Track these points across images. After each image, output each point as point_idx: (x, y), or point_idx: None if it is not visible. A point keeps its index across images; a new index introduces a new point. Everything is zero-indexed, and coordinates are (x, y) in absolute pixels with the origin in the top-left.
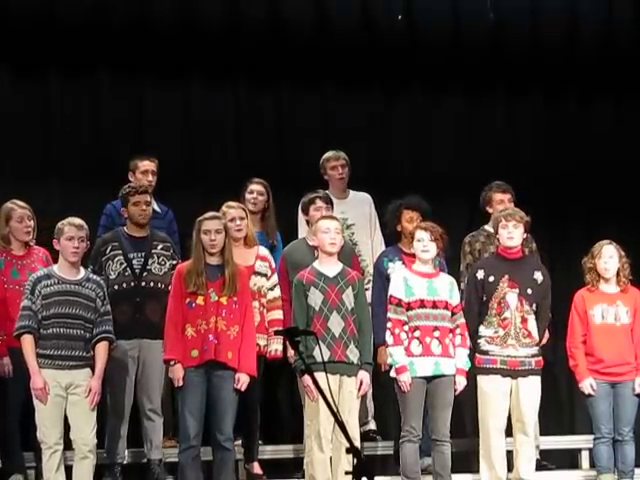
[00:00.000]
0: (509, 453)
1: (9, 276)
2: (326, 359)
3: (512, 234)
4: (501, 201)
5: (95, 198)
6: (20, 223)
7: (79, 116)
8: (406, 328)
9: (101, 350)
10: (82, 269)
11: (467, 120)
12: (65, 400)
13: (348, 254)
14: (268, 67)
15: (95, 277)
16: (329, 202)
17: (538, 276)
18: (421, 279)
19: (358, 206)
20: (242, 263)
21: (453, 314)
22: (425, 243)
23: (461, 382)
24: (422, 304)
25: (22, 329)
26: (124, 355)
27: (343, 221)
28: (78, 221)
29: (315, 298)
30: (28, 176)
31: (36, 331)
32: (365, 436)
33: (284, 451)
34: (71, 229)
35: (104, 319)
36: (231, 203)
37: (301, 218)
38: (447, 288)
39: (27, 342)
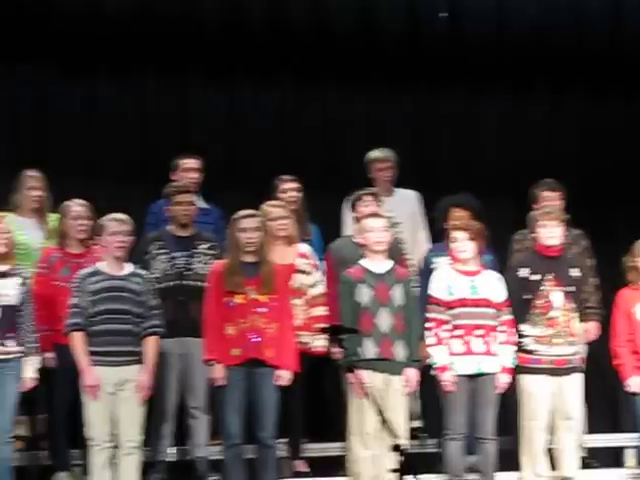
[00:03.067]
0: (553, 451)
1: (59, 273)
2: (373, 356)
3: (552, 232)
4: (549, 199)
5: (140, 197)
6: (75, 220)
7: (125, 115)
8: (447, 327)
9: (151, 345)
10: (128, 264)
11: (514, 118)
12: (114, 397)
13: (396, 252)
14: (312, 66)
15: (141, 271)
16: (377, 199)
17: (576, 273)
18: (463, 278)
19: (404, 204)
20: (283, 261)
21: (499, 311)
22: (461, 243)
23: (505, 380)
24: (463, 303)
25: (71, 326)
26: (168, 353)
27: (389, 219)
28: (121, 216)
29: (363, 295)
30: (74, 175)
31: (85, 328)
32: (411, 434)
33: (330, 449)
34: (114, 224)
35: (153, 313)
36: (273, 202)
37: (346, 215)
38: (491, 285)
39: (77, 339)
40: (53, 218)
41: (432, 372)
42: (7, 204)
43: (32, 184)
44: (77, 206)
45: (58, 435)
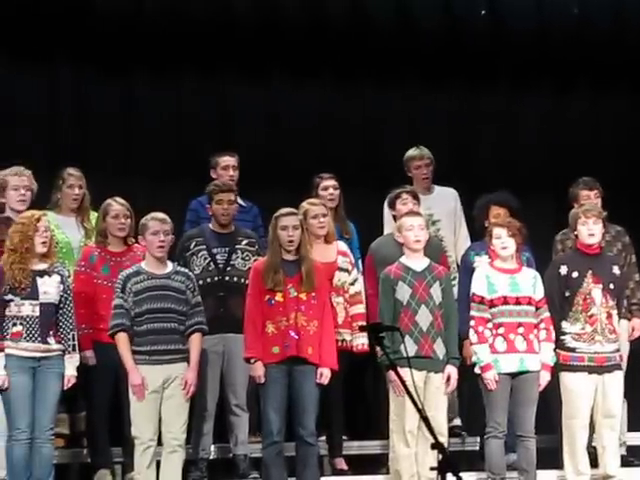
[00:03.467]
0: (595, 449)
1: (99, 271)
2: (413, 354)
3: (592, 230)
4: (587, 197)
5: (179, 195)
6: (115, 219)
7: (163, 114)
8: (490, 325)
9: (195, 342)
10: (169, 263)
11: (554, 116)
12: (160, 395)
13: (436, 251)
14: (351, 65)
15: (183, 269)
16: (416, 197)
17: (616, 270)
18: (503, 275)
19: (444, 202)
20: (323, 259)
21: (537, 309)
22: (503, 240)
23: (545, 377)
24: (505, 301)
25: (116, 327)
26: (209, 350)
27: (429, 217)
28: (161, 215)
29: (403, 292)
30: (113, 174)
31: (130, 328)
32: (450, 432)
33: (370, 447)
34: (155, 223)
35: (196, 310)
36: (313, 200)
37: (387, 213)
38: (530, 283)
39: (122, 340)
40: (93, 216)
41: (477, 370)
42: (47, 203)
43: (72, 182)
44: (117, 204)
45: (99, 433)
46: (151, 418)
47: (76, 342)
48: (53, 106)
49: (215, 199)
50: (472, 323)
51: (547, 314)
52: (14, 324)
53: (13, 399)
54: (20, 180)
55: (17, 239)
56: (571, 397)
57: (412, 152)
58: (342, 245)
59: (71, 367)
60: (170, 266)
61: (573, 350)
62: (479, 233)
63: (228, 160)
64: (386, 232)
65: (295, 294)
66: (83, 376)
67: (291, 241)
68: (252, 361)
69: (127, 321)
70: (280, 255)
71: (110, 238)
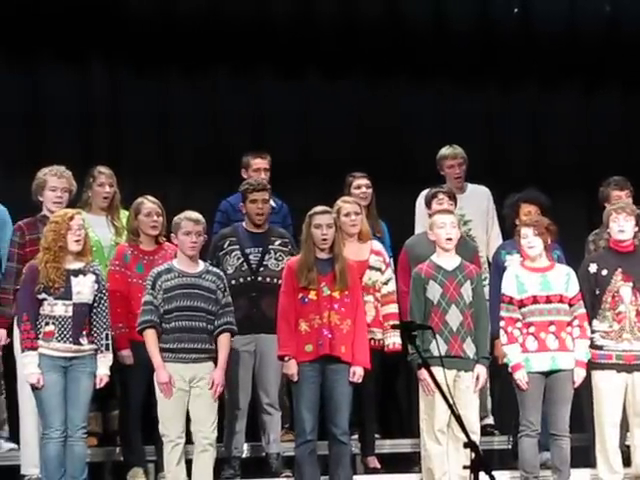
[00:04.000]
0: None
1: (133, 270)
2: (443, 353)
3: (623, 227)
4: (619, 197)
5: (211, 194)
6: (147, 217)
7: (197, 113)
8: (519, 325)
9: (223, 342)
10: (201, 262)
11: (586, 113)
12: (188, 394)
13: (470, 250)
14: (384, 64)
15: (214, 269)
16: (452, 197)
17: None
18: (534, 274)
19: (476, 201)
20: (356, 258)
21: (571, 305)
22: (529, 239)
23: (580, 374)
24: (535, 300)
25: (145, 324)
26: (241, 349)
27: (461, 216)
28: (195, 215)
29: (434, 291)
30: (146, 173)
31: (159, 325)
32: (482, 430)
33: (402, 445)
34: (188, 224)
35: (225, 311)
36: (346, 198)
37: (420, 212)
38: (563, 280)
39: (150, 336)
40: (123, 215)
41: (509, 370)
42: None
43: (102, 180)
44: (149, 202)
45: (132, 431)
46: (178, 415)
47: (110, 342)
48: (87, 105)
49: (249, 198)
50: (502, 324)
51: (582, 310)
52: (47, 323)
53: (46, 398)
54: (59, 182)
55: (50, 238)
56: (601, 395)
57: (445, 151)
58: (377, 244)
59: (104, 366)
60: (201, 265)
61: (601, 348)
62: (510, 232)
63: (259, 163)
64: (417, 231)
65: (328, 292)
66: (118, 375)
67: (325, 239)
68: (286, 359)
69: (156, 318)
70: (314, 253)
71: (142, 236)
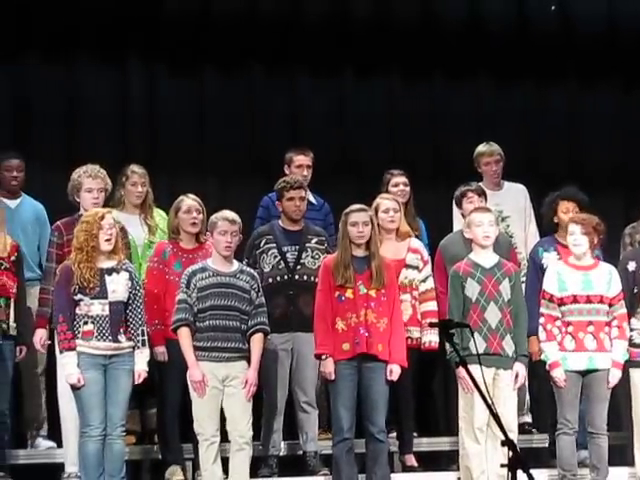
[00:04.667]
0: None
1: (171, 267)
2: (482, 351)
3: None
4: None
5: (249, 192)
6: (187, 214)
7: (234, 111)
8: (558, 323)
9: (257, 342)
10: (235, 262)
11: (623, 111)
12: (222, 392)
13: (506, 247)
14: (421, 62)
15: (249, 269)
16: (482, 194)
17: None
18: (576, 272)
19: (513, 198)
20: (394, 256)
21: (611, 305)
22: (576, 237)
23: (615, 375)
24: (575, 299)
25: (179, 322)
26: (278, 348)
27: (498, 213)
28: (231, 215)
29: (472, 289)
30: (185, 171)
31: (192, 324)
32: (520, 428)
33: (439, 443)
34: (224, 223)
35: (259, 311)
36: (385, 195)
37: (456, 211)
38: (605, 280)
39: (184, 335)
40: (157, 213)
41: (547, 367)
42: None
43: (135, 180)
44: (189, 200)
45: (170, 429)
46: (212, 414)
47: (146, 337)
48: (124, 105)
49: (286, 196)
50: (541, 320)
51: (622, 311)
52: (85, 322)
53: (85, 396)
54: (95, 182)
55: (82, 238)
56: (639, 393)
57: (482, 148)
58: (415, 242)
59: (141, 362)
60: (236, 265)
61: (639, 346)
62: (547, 229)
63: (302, 159)
64: (455, 230)
65: (365, 291)
66: (155, 373)
67: (361, 237)
68: (323, 357)
69: (190, 316)
70: (350, 251)
71: (182, 234)
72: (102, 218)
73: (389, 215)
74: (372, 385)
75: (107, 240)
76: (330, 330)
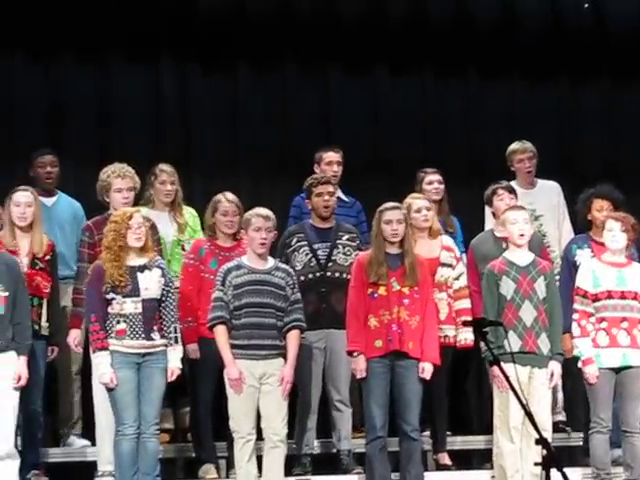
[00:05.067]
0: None
1: (207, 265)
2: (517, 349)
3: None
4: None
5: (282, 191)
6: (224, 216)
7: (265, 111)
8: (592, 319)
9: (293, 338)
10: (270, 258)
11: None
12: (258, 390)
13: (537, 245)
14: (454, 61)
15: (284, 266)
16: (512, 192)
17: None
18: (610, 269)
19: (546, 196)
20: (428, 255)
21: None
22: (615, 233)
23: None
24: (609, 295)
25: (215, 320)
26: (311, 346)
27: (531, 212)
28: (265, 212)
29: (507, 287)
30: (218, 170)
31: (229, 321)
32: (554, 427)
33: (474, 442)
34: (258, 220)
35: (295, 307)
36: (416, 194)
37: (488, 209)
38: (638, 278)
39: (220, 333)
40: (186, 211)
41: (579, 364)
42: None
43: (164, 178)
44: (227, 202)
45: (203, 428)
46: (249, 412)
47: (178, 334)
48: (158, 105)
49: (314, 192)
50: (575, 316)
51: None
52: (118, 322)
53: (119, 395)
54: (123, 182)
55: (111, 237)
56: None
57: (515, 146)
58: (447, 240)
59: (174, 359)
60: (271, 262)
61: None
62: (582, 227)
63: (332, 156)
64: (487, 228)
65: (398, 288)
66: (188, 371)
67: (395, 234)
68: (354, 354)
69: (226, 314)
70: (384, 249)
71: (218, 233)
72: (130, 217)
73: (422, 214)
74: (405, 383)
75: (137, 238)
76: (362, 327)
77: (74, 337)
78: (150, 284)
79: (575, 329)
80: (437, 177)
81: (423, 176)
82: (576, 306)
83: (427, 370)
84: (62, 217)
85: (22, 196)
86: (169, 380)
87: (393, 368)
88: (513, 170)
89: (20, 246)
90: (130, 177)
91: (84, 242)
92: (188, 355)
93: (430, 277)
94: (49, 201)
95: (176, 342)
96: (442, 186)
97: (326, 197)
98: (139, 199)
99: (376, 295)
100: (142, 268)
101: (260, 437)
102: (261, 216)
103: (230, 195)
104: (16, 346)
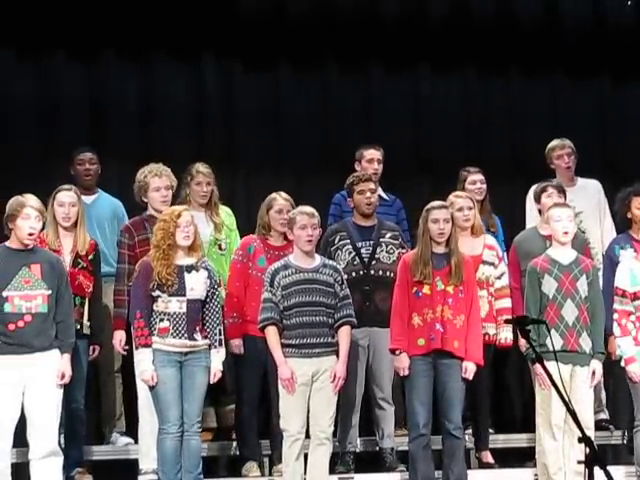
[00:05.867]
0: None
1: (256, 262)
2: (559, 348)
3: None
4: None
5: (326, 190)
6: (279, 214)
7: (306, 110)
8: (632, 318)
9: (344, 334)
10: (317, 256)
11: None
12: (309, 388)
13: (580, 243)
14: (497, 59)
15: (331, 262)
16: (561, 190)
17: None
18: None
19: (587, 194)
20: (470, 253)
21: None
22: None
23: None
24: None
25: (265, 321)
26: (355, 344)
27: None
28: (309, 209)
29: (549, 285)
30: (260, 169)
31: (279, 322)
32: (597, 425)
33: (516, 440)
34: (303, 218)
35: (344, 303)
36: (458, 193)
37: (530, 206)
38: None
39: (271, 334)
40: (222, 211)
41: (622, 363)
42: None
43: (200, 179)
44: (282, 199)
45: (248, 426)
46: (300, 411)
47: (222, 337)
48: (200, 104)
49: (356, 190)
50: (615, 316)
51: None
52: (161, 320)
53: (162, 393)
54: (161, 181)
55: (160, 236)
56: None
57: (554, 142)
58: (490, 239)
59: (217, 361)
60: (318, 259)
61: None
62: (621, 225)
63: (373, 153)
64: (528, 226)
65: (442, 287)
66: (233, 369)
67: (441, 234)
68: (397, 352)
69: (276, 315)
70: (430, 248)
71: (272, 232)
72: (179, 216)
73: (463, 214)
74: (448, 382)
75: (185, 237)
76: (406, 326)
77: (119, 339)
78: (196, 285)
79: (616, 329)
80: (480, 177)
81: (466, 175)
82: (616, 306)
83: (470, 370)
84: (101, 215)
85: (66, 196)
86: (211, 382)
87: (436, 366)
88: (553, 168)
89: (63, 245)
90: (167, 176)
91: (123, 243)
92: (231, 350)
93: (475, 277)
94: (89, 199)
95: (220, 345)
96: (484, 186)
97: (368, 194)
98: (176, 198)
99: (420, 294)
100: (190, 268)
101: (307, 435)
102: (306, 213)
103: (285, 194)
104: (59, 344)
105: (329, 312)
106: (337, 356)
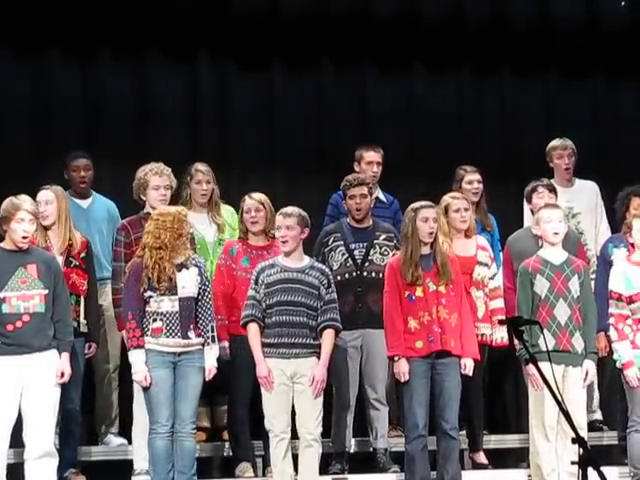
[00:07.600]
0: None
1: (239, 263)
2: (551, 348)
3: None
4: None
5: (320, 190)
6: (247, 214)
7: (301, 110)
8: (629, 322)
9: (326, 338)
10: (307, 258)
11: None
12: (291, 389)
13: (574, 243)
14: (490, 58)
15: (320, 265)
16: (552, 190)
17: None
18: None
19: (584, 195)
20: (465, 254)
21: None
22: None
23: None
24: None
25: (247, 318)
26: (348, 345)
27: (568, 210)
28: (287, 209)
29: (541, 286)
30: (255, 169)
31: (261, 320)
32: (591, 426)
33: (509, 441)
34: (278, 218)
35: (330, 307)
36: (455, 194)
37: (526, 207)
38: None
39: (252, 331)
40: (224, 210)
41: (618, 365)
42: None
43: (199, 178)
44: (249, 199)
45: (240, 426)
46: (283, 411)
47: (215, 333)
48: (194, 104)
49: (348, 194)
50: (612, 320)
51: None
52: (154, 320)
53: (154, 393)
54: (161, 180)
55: (163, 235)
56: None
57: (555, 142)
58: (481, 239)
59: (211, 358)
60: (306, 261)
61: None
62: (620, 225)
63: (373, 156)
64: (526, 225)
65: (434, 288)
66: (224, 370)
67: (431, 233)
68: (395, 359)
69: (258, 312)
70: (419, 249)
71: (248, 232)
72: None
73: (461, 215)
74: (445, 380)
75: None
76: (400, 331)
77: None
78: (187, 282)
79: (613, 333)
80: (477, 177)
81: (463, 174)
82: (612, 310)
83: (469, 366)
84: (98, 218)
85: (41, 195)
86: (206, 379)
87: (434, 366)
88: (551, 167)
89: (53, 245)
90: (167, 175)
91: (120, 242)
92: (220, 352)
93: (461, 274)
94: (84, 203)
95: (213, 341)
96: (481, 185)
97: (358, 200)
98: (177, 199)
99: (414, 297)
100: (180, 266)
101: (296, 436)
102: (280, 214)
103: (255, 194)
104: (58, 343)
105: (310, 314)
106: (318, 358)
